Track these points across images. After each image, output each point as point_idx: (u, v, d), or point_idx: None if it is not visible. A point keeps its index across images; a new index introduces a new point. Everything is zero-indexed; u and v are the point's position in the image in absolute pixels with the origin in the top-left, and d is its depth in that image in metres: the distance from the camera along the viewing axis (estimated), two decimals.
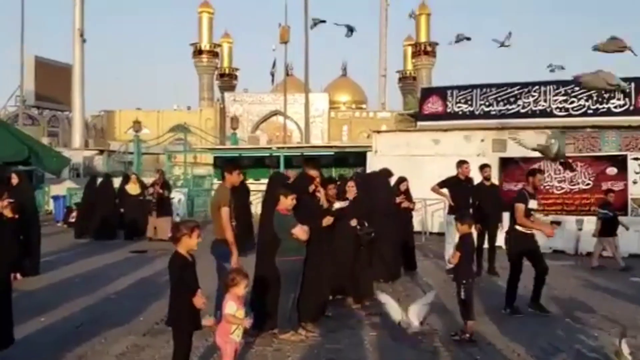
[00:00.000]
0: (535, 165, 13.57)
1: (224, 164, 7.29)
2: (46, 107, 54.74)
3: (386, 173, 10.76)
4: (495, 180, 12.02)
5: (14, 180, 10.40)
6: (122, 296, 8.82)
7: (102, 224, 15.35)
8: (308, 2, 33.04)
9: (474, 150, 15.21)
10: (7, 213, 6.69)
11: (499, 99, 17.69)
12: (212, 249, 6.72)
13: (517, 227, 7.83)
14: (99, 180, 16.87)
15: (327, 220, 6.92)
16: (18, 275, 9.48)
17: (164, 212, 15.14)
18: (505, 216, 10.71)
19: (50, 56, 53.55)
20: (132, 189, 15.66)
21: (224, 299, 4.98)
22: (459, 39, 24.79)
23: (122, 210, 15.58)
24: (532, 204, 7.95)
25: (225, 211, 6.57)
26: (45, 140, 33.67)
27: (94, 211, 15.56)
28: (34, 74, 50.43)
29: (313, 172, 7.59)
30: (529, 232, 7.82)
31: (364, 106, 71.75)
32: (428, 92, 20.22)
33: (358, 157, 20.37)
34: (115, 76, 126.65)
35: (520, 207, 7.81)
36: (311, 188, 7.15)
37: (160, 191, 15.09)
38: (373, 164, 16.13)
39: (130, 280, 9.91)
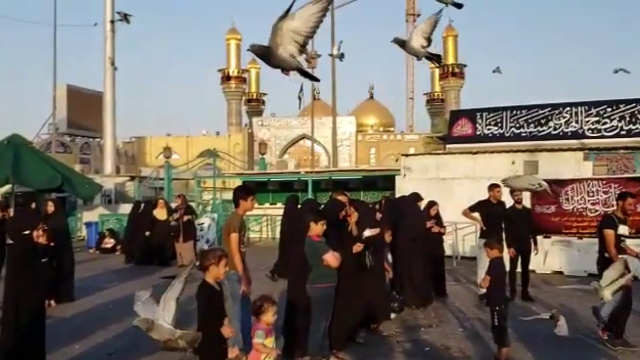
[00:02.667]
0: (568, 187, 13.46)
1: (238, 190, 7.12)
2: (78, 135, 55.73)
3: (416, 197, 10.71)
4: (527, 203, 11.87)
5: (50, 208, 10.62)
6: None
7: (143, 249, 15.52)
8: (335, 28, 33.27)
9: (505, 172, 15.05)
10: (42, 241, 6.81)
11: (530, 120, 17.54)
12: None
13: (607, 255, 7.39)
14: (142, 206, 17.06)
15: (357, 248, 6.89)
16: (52, 302, 9.63)
17: (187, 237, 15.24)
18: (538, 240, 10.65)
19: (82, 84, 54.63)
20: (160, 213, 15.79)
21: (253, 327, 4.97)
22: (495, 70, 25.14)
23: (147, 234, 15.65)
24: (622, 229, 7.48)
25: (234, 237, 6.51)
26: (77, 168, 34.20)
27: (136, 236, 15.78)
28: (66, 102, 51.45)
29: (342, 198, 7.60)
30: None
31: (391, 129, 71.65)
32: (457, 115, 20.16)
33: (387, 181, 20.31)
34: (145, 103, 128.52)
35: (609, 233, 7.38)
36: (341, 214, 7.14)
37: (184, 217, 15.17)
38: (402, 188, 16.07)
39: None
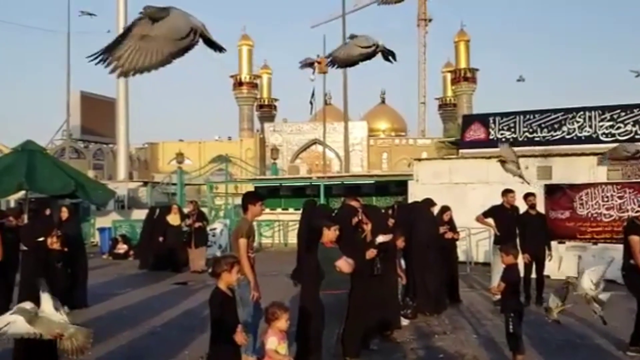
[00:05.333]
0: (583, 192, 13.35)
1: (247, 196, 7.08)
2: (92, 141, 56.13)
3: (429, 203, 10.66)
4: (540, 208, 11.78)
5: (64, 214, 10.68)
6: (168, 328, 8.86)
7: (157, 255, 15.58)
8: (346, 33, 33.25)
9: (518, 177, 14.94)
10: (56, 247, 6.85)
11: (543, 125, 17.45)
12: None
13: (633, 262, 7.24)
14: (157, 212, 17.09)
15: (371, 253, 6.86)
16: (66, 308, 9.65)
17: (199, 243, 15.25)
18: (553, 245, 10.57)
19: (95, 91, 55.01)
20: (173, 219, 15.82)
21: (266, 334, 4.95)
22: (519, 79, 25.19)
23: (160, 239, 15.66)
24: None
25: (242, 242, 6.50)
26: (90, 174, 34.39)
27: (151, 242, 15.83)
28: (80, 109, 51.83)
29: (355, 204, 7.58)
30: None
31: (403, 134, 71.58)
32: (470, 119, 20.09)
33: (399, 186, 20.23)
34: (158, 109, 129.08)
35: (635, 240, 7.23)
36: (354, 220, 7.12)
37: (195, 224, 15.19)
38: (415, 193, 15.99)
39: (175, 313, 9.96)
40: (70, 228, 10.27)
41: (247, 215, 6.78)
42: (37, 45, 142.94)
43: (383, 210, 10.66)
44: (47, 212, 10.91)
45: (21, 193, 18.13)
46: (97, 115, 53.05)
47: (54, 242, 6.25)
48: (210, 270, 5.19)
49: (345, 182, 23.81)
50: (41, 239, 6.22)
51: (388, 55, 6.02)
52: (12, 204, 21.11)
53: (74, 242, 10.07)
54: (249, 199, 6.88)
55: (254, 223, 7.28)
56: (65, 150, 43.96)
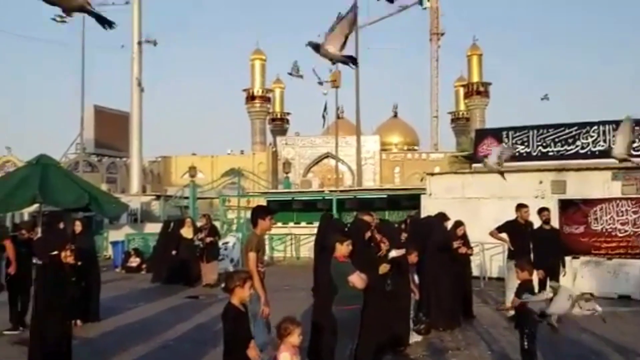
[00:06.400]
0: (597, 207, 13.25)
1: (256, 210, 7.06)
2: (105, 154, 56.47)
3: (442, 217, 10.62)
4: (555, 223, 11.69)
5: (77, 227, 10.73)
6: (180, 342, 8.85)
7: (171, 268, 15.61)
8: (359, 48, 33.41)
9: (532, 192, 14.87)
10: (70, 260, 6.87)
11: (557, 139, 17.32)
12: None
13: None
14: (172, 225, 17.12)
15: (384, 268, 6.83)
16: (79, 322, 9.68)
17: (211, 257, 15.25)
18: (567, 260, 10.47)
19: (109, 104, 55.44)
20: (186, 232, 15.84)
21: (278, 349, 4.92)
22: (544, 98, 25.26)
23: (173, 253, 15.66)
24: None
25: (252, 256, 6.45)
26: (104, 187, 34.58)
27: (165, 255, 15.85)
28: (94, 123, 52.22)
29: (368, 218, 7.56)
30: None
31: (416, 147, 71.50)
32: (483, 134, 19.99)
33: (412, 200, 20.16)
34: (171, 123, 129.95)
35: None
36: (367, 235, 7.10)
37: (207, 239, 15.20)
38: (427, 207, 15.93)
39: (187, 326, 9.94)
40: (84, 241, 10.32)
41: (257, 229, 6.76)
42: (51, 58, 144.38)
43: (396, 225, 10.65)
44: (61, 225, 10.95)
45: (35, 206, 18.23)
46: (111, 128, 53.39)
47: (67, 256, 6.28)
48: (222, 285, 5.18)
49: (357, 196, 23.76)
50: (55, 252, 6.24)
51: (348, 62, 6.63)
52: (26, 217, 21.28)
53: (87, 255, 10.11)
54: (259, 213, 6.86)
55: (265, 237, 7.25)
56: (79, 164, 44.28)
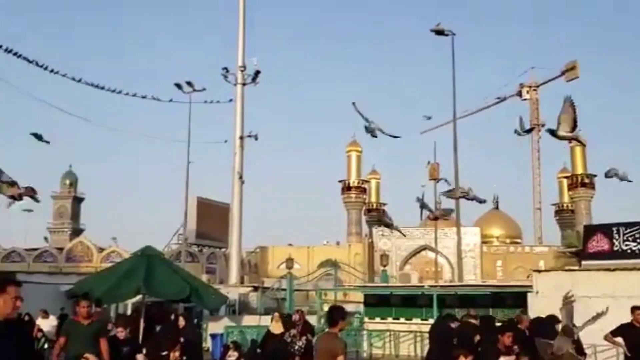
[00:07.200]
0: None
1: (339, 309, 6.82)
2: (205, 244, 58.07)
3: (553, 320, 10.02)
4: None
5: (181, 322, 10.82)
6: None
7: None
8: (457, 141, 33.31)
9: None
10: (177, 357, 6.86)
11: None
12: None
13: None
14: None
15: None
16: None
17: (308, 358, 14.78)
18: None
19: (209, 195, 57.51)
20: (275, 327, 15.55)
21: None
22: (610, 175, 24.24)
23: (258, 350, 15.31)
24: None
25: None
26: (204, 277, 35.24)
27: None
28: (196, 214, 54.11)
29: (474, 322, 7.22)
30: None
31: (518, 240, 69.16)
32: (592, 230, 19.13)
33: (517, 298, 19.20)
34: (268, 213, 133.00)
35: None
36: (476, 338, 6.73)
37: (298, 335, 14.80)
38: (534, 306, 15.18)
39: None
40: (189, 334, 10.37)
41: (335, 329, 6.53)
42: (157, 153, 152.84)
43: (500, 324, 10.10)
44: (172, 317, 11.16)
45: (138, 297, 18.69)
46: (212, 219, 55.12)
47: (176, 357, 6.28)
48: None
49: (459, 292, 22.92)
50: (164, 352, 6.26)
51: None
52: (129, 307, 21.79)
53: (194, 348, 10.12)
54: (340, 313, 6.68)
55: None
56: (181, 254, 45.59)
